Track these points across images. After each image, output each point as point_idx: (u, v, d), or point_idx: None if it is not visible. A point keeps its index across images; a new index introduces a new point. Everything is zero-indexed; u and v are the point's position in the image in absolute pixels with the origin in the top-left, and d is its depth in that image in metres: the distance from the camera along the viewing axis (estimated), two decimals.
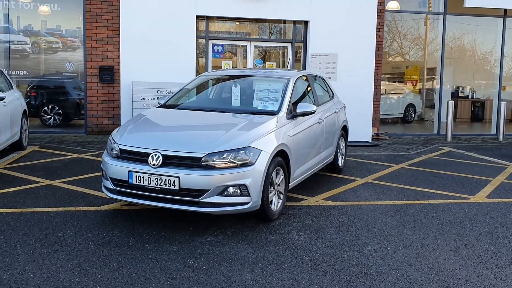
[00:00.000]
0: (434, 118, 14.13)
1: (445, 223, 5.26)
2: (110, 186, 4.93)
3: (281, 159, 5.14)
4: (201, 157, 4.56)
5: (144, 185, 4.65)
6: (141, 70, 10.51)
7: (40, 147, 9.20)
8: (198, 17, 10.79)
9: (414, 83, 15.13)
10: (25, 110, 8.87)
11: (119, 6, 10.73)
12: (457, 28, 13.82)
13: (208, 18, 11.12)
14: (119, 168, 4.80)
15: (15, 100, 8.34)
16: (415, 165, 8.57)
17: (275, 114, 5.47)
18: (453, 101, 12.41)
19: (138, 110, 10.26)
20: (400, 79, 14.93)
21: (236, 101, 6.12)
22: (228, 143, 4.69)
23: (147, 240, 4.45)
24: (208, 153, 4.57)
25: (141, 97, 10.39)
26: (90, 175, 7.00)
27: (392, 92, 14.67)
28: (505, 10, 13.49)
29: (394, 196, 6.34)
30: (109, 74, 11.06)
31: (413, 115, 15.45)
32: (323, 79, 7.55)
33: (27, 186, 6.24)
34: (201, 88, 6.85)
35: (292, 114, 5.66)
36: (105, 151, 5.23)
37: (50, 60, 11.44)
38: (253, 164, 4.67)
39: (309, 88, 6.72)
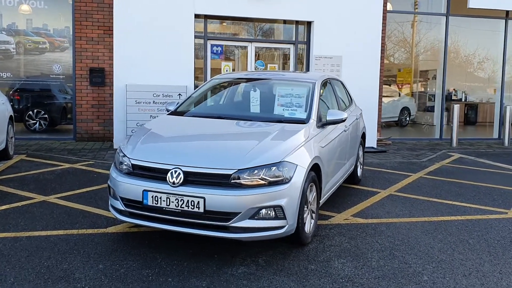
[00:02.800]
0: (434, 122, 13.74)
1: (495, 244, 4.73)
2: (121, 207, 4.25)
3: (314, 173, 4.54)
4: (231, 174, 3.92)
5: (162, 207, 3.99)
6: (135, 72, 9.76)
7: (27, 155, 8.43)
8: (196, 16, 10.11)
9: (403, 86, 14.77)
10: (11, 116, 8.11)
11: (110, 4, 10.03)
12: (455, 31, 13.38)
13: (206, 17, 10.46)
14: (131, 187, 4.13)
15: (1, 105, 7.58)
16: (432, 174, 8.06)
17: (304, 123, 4.86)
18: (458, 105, 11.97)
19: (133, 114, 9.60)
20: (388, 82, 14.44)
21: (255, 108, 5.49)
22: (260, 157, 4.05)
23: (169, 273, 3.79)
24: (239, 169, 3.94)
25: (136, 101, 9.67)
26: (88, 189, 6.29)
27: (386, 95, 14.22)
28: (507, 12, 13.16)
29: (426, 211, 5.80)
30: (100, 77, 10.38)
31: (407, 118, 15.10)
32: (342, 83, 6.98)
33: (19, 204, 5.51)
34: (214, 92, 6.19)
35: (322, 122, 5.06)
36: (113, 165, 4.56)
37: (36, 61, 10.63)
38: (289, 181, 4.05)
39: (332, 93, 6.14)
